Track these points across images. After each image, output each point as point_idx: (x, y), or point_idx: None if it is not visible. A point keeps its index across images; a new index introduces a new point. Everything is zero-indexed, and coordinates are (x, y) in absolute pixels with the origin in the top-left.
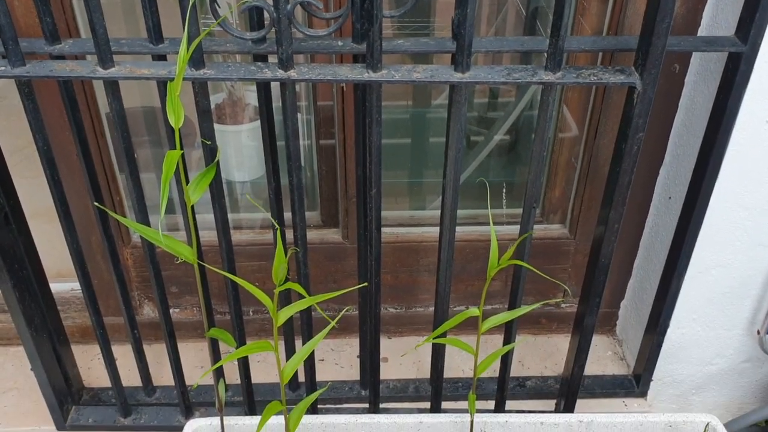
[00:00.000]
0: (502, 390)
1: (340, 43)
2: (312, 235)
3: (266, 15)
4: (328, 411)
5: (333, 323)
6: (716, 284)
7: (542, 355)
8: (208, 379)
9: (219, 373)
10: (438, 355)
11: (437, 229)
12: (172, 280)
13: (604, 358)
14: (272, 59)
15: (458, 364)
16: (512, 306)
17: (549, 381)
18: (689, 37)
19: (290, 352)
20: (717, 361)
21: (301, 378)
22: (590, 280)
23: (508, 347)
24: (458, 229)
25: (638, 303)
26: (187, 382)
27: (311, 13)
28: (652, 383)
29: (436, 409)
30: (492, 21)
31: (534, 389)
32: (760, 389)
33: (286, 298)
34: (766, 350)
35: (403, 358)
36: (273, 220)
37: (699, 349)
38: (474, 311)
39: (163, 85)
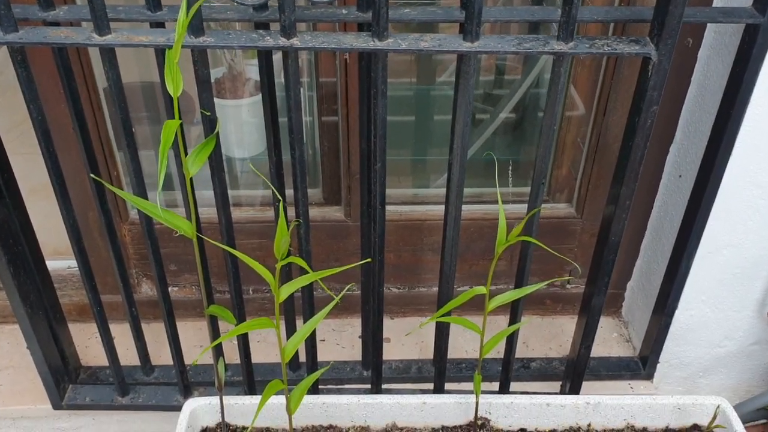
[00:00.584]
0: (507, 371)
1: (344, 11)
2: (314, 212)
3: None
4: (329, 392)
5: (336, 299)
6: (727, 265)
7: (547, 336)
8: (208, 359)
9: (219, 352)
10: (442, 334)
11: (441, 207)
12: (171, 258)
13: (610, 340)
14: (274, 28)
15: (462, 345)
16: (519, 285)
17: (554, 363)
18: (705, 8)
19: (291, 331)
20: (725, 344)
21: (302, 358)
22: (599, 260)
23: (514, 326)
24: (463, 207)
25: (645, 284)
26: (186, 361)
27: None
28: (658, 365)
29: (439, 390)
30: None
31: (538, 371)
32: None
33: (286, 277)
34: None
35: (406, 338)
36: (273, 189)
37: (707, 331)
38: (480, 289)
39: (161, 53)
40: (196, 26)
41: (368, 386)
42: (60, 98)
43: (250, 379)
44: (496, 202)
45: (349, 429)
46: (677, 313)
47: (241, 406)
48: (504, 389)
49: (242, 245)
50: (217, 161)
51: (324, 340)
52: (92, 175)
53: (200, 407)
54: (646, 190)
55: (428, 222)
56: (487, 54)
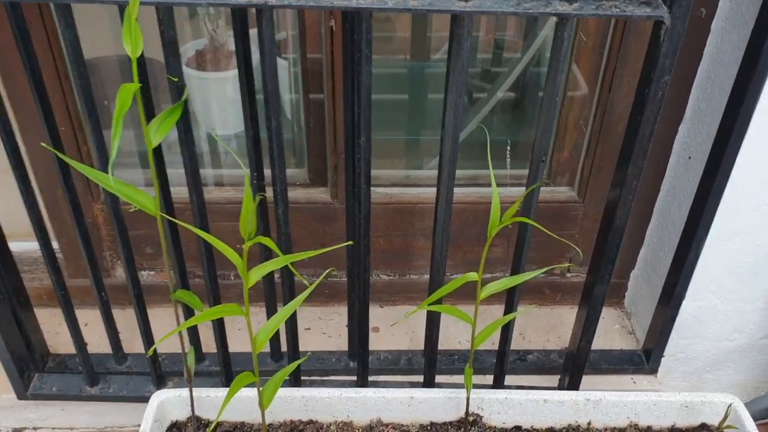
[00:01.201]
0: (502, 364)
1: None
2: (299, 194)
3: None
4: (313, 384)
5: (312, 286)
6: (738, 253)
7: (545, 327)
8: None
9: (195, 341)
10: (432, 324)
11: (434, 190)
12: (146, 240)
13: (612, 332)
14: None
15: (454, 335)
16: (515, 272)
17: (552, 355)
18: None
19: None
20: (735, 337)
21: (285, 348)
22: (602, 245)
23: (509, 316)
24: (457, 190)
25: (650, 273)
26: (161, 350)
27: None
28: (663, 359)
29: (429, 383)
30: None
31: (536, 364)
32: None
33: (267, 260)
34: None
35: (396, 328)
36: (238, 159)
37: (716, 324)
38: (472, 275)
39: (122, 11)
40: None
41: (354, 378)
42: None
43: (228, 369)
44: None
45: (330, 425)
46: (684, 303)
47: (213, 399)
48: (498, 383)
49: (221, 228)
50: (186, 132)
51: (309, 329)
52: (43, 143)
53: (169, 400)
54: (653, 173)
55: (420, 205)
56: (483, 14)
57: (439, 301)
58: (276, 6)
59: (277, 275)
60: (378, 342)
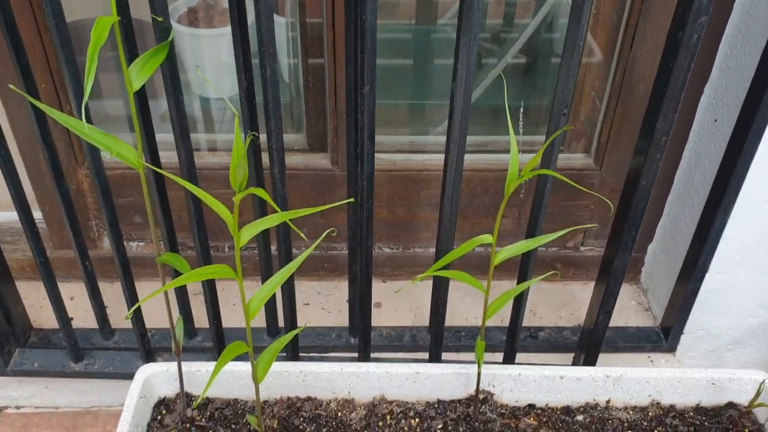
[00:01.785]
0: (513, 340)
1: None
2: (297, 159)
3: None
4: (312, 360)
5: (315, 247)
6: None
7: (557, 303)
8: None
9: (184, 310)
10: (439, 296)
11: (440, 156)
12: (135, 209)
13: (627, 309)
14: None
15: (461, 312)
16: (531, 235)
17: (564, 332)
18: None
19: None
20: (760, 313)
21: (283, 324)
22: (625, 210)
23: (523, 285)
24: (466, 157)
25: (670, 245)
26: (150, 324)
27: None
28: (682, 336)
29: (435, 359)
30: None
31: (548, 341)
32: None
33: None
34: None
35: (399, 304)
36: (229, 105)
37: (740, 298)
38: (486, 237)
39: None
40: None
41: (355, 354)
42: None
43: (221, 345)
44: (502, 151)
45: (330, 402)
46: (707, 277)
47: (204, 374)
48: (509, 360)
49: (216, 195)
50: (173, 78)
51: (308, 304)
52: (11, 86)
53: (156, 374)
54: (674, 138)
55: (426, 173)
56: None
57: (447, 267)
58: None
59: (273, 248)
60: (380, 318)
